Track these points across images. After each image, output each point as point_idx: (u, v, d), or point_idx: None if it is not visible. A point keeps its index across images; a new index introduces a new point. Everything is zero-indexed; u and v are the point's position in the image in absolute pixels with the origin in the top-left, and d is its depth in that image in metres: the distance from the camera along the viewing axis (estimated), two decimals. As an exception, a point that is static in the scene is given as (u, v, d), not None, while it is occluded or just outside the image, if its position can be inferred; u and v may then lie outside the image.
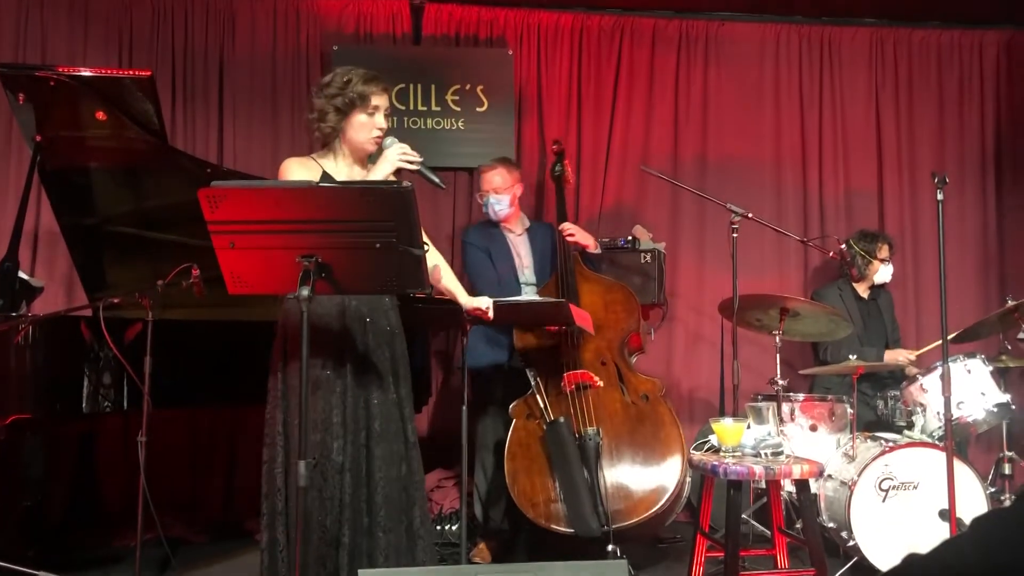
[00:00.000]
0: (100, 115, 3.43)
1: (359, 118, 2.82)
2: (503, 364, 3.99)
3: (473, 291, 3.40)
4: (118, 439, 4.53)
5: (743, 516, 3.80)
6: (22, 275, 3.48)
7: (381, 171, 2.77)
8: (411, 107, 4.93)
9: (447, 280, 3.07)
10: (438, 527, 4.25)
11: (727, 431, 3.13)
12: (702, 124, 5.17)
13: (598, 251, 4.10)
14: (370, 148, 2.88)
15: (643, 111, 5.13)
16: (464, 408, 3.15)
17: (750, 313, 3.86)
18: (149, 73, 3.37)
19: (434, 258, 3.01)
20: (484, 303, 3.09)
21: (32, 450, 3.78)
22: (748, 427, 3.15)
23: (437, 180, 2.82)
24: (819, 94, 5.25)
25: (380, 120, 2.84)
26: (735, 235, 3.85)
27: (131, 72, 3.52)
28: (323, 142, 2.89)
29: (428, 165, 2.83)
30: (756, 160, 5.20)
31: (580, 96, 5.10)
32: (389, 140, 2.82)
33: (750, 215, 3.93)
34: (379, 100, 2.84)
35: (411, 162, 2.77)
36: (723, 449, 3.15)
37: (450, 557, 3.91)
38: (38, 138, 3.45)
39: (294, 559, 2.51)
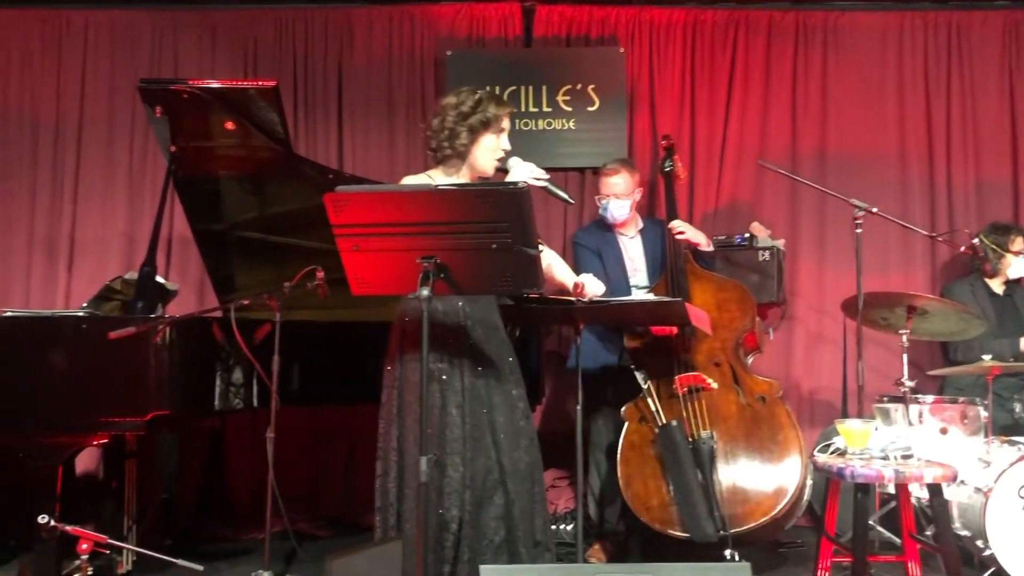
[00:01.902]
0: (229, 125, 3.57)
1: (487, 139, 2.85)
2: (613, 365, 3.97)
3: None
4: (245, 435, 4.72)
5: (869, 521, 3.67)
6: (158, 279, 3.66)
7: None
8: (522, 109, 4.96)
9: (558, 273, 3.06)
10: (552, 526, 4.25)
11: (854, 433, 3.03)
12: (821, 117, 5.02)
13: (710, 249, 4.03)
14: (489, 171, 2.91)
15: (759, 105, 5.01)
16: (579, 409, 3.14)
17: (875, 312, 3.72)
18: (274, 83, 3.45)
19: (547, 256, 3.02)
20: (586, 279, 2.98)
21: (169, 445, 3.99)
22: (875, 429, 3.04)
23: (565, 196, 2.90)
24: (947, 83, 5.01)
25: (505, 141, 2.88)
26: (859, 231, 3.72)
27: (257, 83, 3.64)
28: (439, 160, 2.90)
29: (539, 166, 2.87)
30: (879, 153, 5.01)
31: (693, 92, 5.03)
32: (514, 160, 2.86)
33: (875, 210, 3.79)
34: (507, 122, 2.88)
35: (539, 179, 2.81)
36: (849, 451, 3.05)
37: (565, 557, 3.92)
38: (173, 148, 3.62)
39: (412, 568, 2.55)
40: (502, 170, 2.88)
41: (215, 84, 3.51)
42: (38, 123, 4.98)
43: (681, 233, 3.90)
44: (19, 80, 5.00)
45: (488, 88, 2.93)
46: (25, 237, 4.94)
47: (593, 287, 2.98)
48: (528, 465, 2.83)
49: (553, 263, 3.07)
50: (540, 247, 2.48)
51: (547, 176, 2.85)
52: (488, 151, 2.86)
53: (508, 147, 2.89)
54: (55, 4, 5.02)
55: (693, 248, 3.96)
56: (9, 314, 3.36)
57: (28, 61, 5.00)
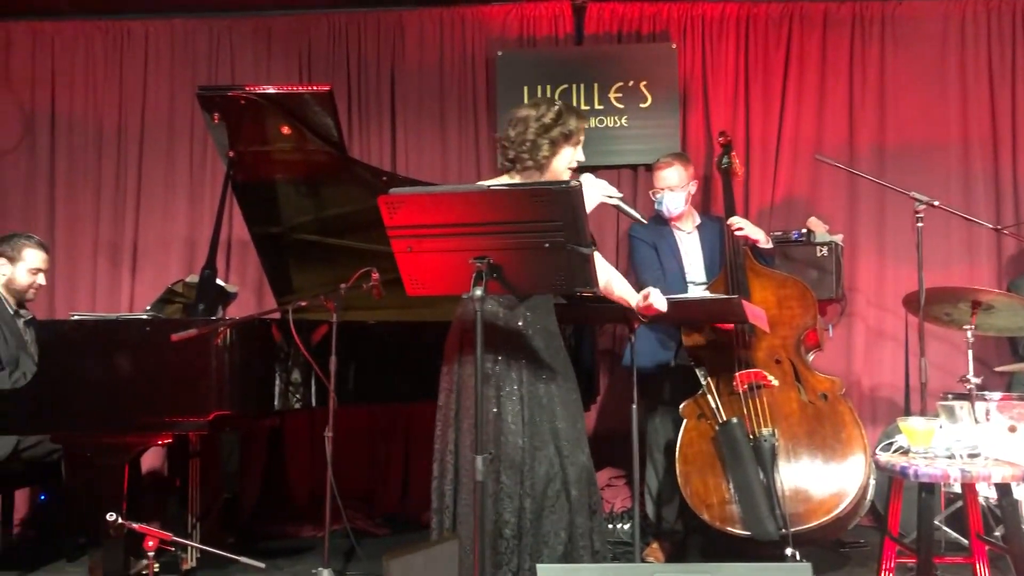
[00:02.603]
0: (285, 129, 3.62)
1: (566, 151, 2.84)
2: (669, 363, 3.94)
3: (638, 287, 3.36)
4: (304, 434, 4.79)
5: (935, 521, 3.59)
6: (219, 282, 3.72)
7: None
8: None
9: (618, 289, 3.01)
10: (610, 525, 4.24)
11: (917, 431, 2.96)
12: (879, 109, 4.91)
13: (769, 245, 3.98)
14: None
15: (815, 99, 4.93)
16: (634, 408, 3.13)
17: (938, 307, 3.63)
18: (328, 87, 3.49)
19: (605, 273, 2.97)
20: (650, 292, 2.91)
21: (230, 444, 4.07)
22: (939, 427, 2.97)
23: (638, 215, 2.92)
24: (1012, 71, 4.86)
25: (581, 153, 2.89)
26: (920, 225, 3.64)
27: (311, 87, 3.69)
28: (518, 171, 2.85)
29: (592, 164, 2.86)
30: (940, 145, 4.88)
31: (748, 86, 4.96)
32: (587, 176, 2.85)
33: (936, 203, 3.70)
34: (583, 135, 2.89)
35: (611, 196, 2.82)
36: (913, 450, 2.98)
37: (622, 556, 3.90)
38: (231, 154, 3.69)
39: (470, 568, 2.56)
40: None
41: (271, 89, 3.55)
42: (101, 130, 5.12)
43: (740, 229, 3.85)
44: (83, 89, 5.14)
45: (540, 88, 2.91)
46: (90, 241, 5.08)
47: (659, 301, 2.90)
48: (588, 472, 2.82)
49: (612, 279, 3.00)
50: (593, 247, 2.47)
51: (620, 194, 2.85)
52: (564, 162, 2.86)
53: (583, 158, 2.89)
54: (116, 15, 5.14)
55: (752, 245, 3.91)
56: (76, 318, 3.46)
57: (91, 70, 5.15)
